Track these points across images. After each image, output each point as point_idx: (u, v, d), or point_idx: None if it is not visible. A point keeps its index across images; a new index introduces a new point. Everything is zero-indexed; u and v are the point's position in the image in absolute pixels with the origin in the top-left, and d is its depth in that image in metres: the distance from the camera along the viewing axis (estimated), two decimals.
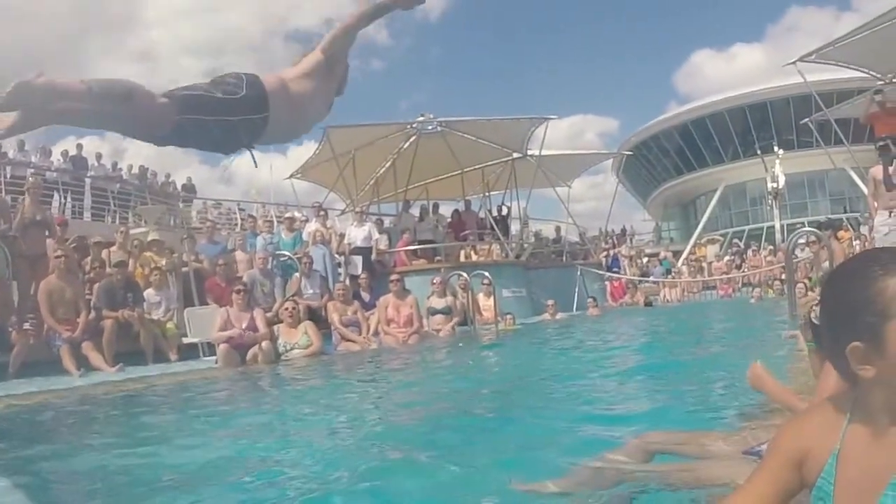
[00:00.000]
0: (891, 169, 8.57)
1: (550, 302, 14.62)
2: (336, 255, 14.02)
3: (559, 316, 14.40)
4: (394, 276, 11.09)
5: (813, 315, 1.56)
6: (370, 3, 3.47)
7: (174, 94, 3.02)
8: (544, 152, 19.03)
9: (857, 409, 1.44)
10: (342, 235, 15.43)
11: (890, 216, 8.45)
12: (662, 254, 30.90)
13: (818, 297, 1.53)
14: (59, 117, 2.85)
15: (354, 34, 3.61)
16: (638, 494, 2.26)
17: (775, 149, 30.82)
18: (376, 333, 10.34)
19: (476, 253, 17.80)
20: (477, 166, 20.42)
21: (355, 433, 4.06)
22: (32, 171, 16.99)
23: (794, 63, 16.07)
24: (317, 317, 10.31)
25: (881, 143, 8.87)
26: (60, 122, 2.96)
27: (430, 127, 18.10)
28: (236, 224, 22.21)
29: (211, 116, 3.05)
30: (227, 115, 3.10)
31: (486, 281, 12.99)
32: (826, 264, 10.30)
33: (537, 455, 2.95)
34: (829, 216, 28.49)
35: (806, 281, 13.95)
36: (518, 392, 5.47)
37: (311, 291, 11.44)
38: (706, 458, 2.54)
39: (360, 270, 13.64)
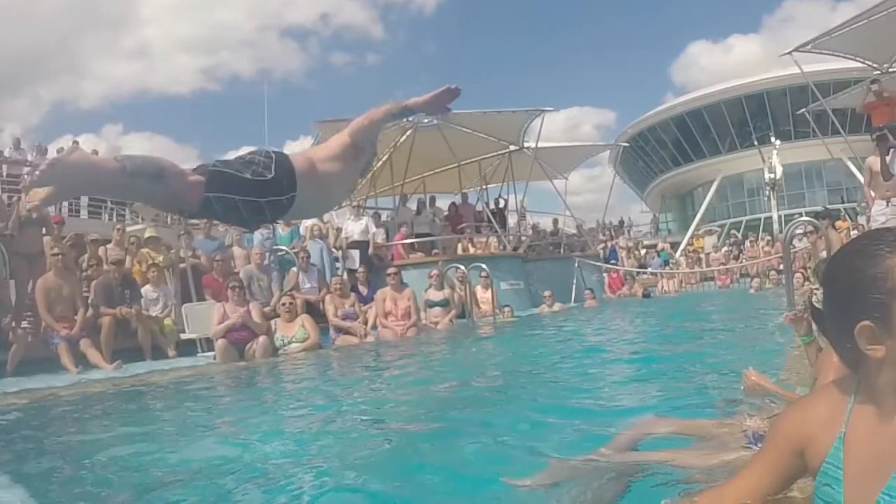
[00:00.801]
0: (888, 158, 8.57)
1: (547, 293, 14.62)
2: (333, 250, 14.03)
3: (556, 307, 14.40)
4: (391, 270, 11.07)
5: (815, 299, 1.55)
6: (398, 102, 3.56)
7: (206, 170, 3.08)
8: (541, 144, 19.02)
9: (861, 391, 1.43)
10: (339, 230, 15.42)
11: (887, 205, 8.45)
12: (660, 245, 30.92)
13: (820, 281, 1.52)
14: (91, 190, 2.96)
15: (380, 127, 3.70)
16: (634, 481, 2.26)
17: (772, 139, 30.84)
18: (374, 327, 10.35)
19: (473, 246, 17.79)
20: (474, 159, 20.40)
21: (353, 427, 4.06)
22: (29, 168, 16.92)
23: (790, 53, 16.09)
24: (315, 311, 10.31)
25: (878, 133, 8.85)
26: (92, 194, 3.07)
27: (426, 120, 18.08)
28: None
29: (239, 196, 3.11)
30: (255, 196, 3.15)
31: (483, 273, 12.99)
32: (823, 254, 10.30)
33: (534, 447, 2.94)
34: (827, 206, 28.48)
35: (803, 271, 13.95)
36: (515, 384, 5.47)
37: (308, 286, 11.44)
38: (704, 444, 2.54)
39: (357, 264, 13.65)
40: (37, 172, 2.63)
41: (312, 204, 3.59)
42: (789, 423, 1.55)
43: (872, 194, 8.93)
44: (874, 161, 8.84)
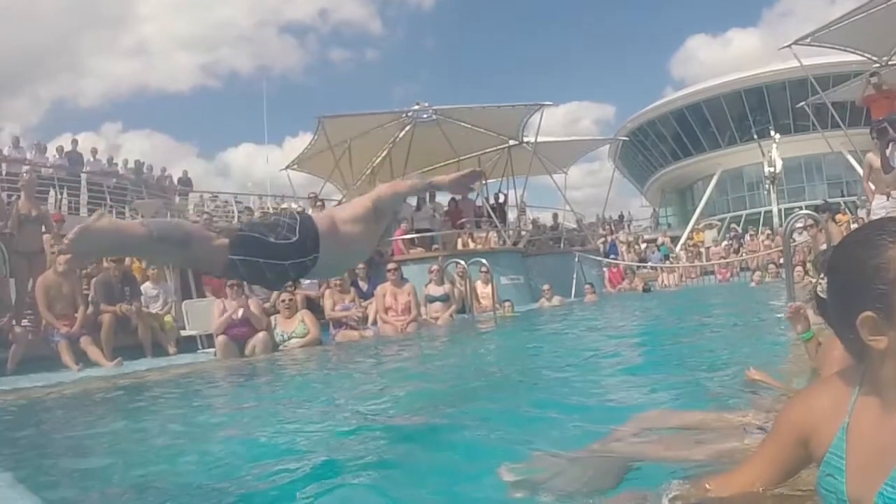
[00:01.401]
0: (888, 151, 8.55)
1: (546, 286, 14.61)
2: None
3: (555, 300, 14.39)
4: (391, 265, 11.06)
5: (819, 289, 1.55)
6: (424, 180, 3.67)
7: (231, 234, 3.16)
8: (540, 139, 19.01)
9: (865, 382, 1.43)
10: None
11: (888, 199, 8.44)
12: (660, 239, 30.90)
13: (823, 271, 1.52)
14: (118, 252, 3.09)
15: (403, 199, 3.86)
16: (633, 471, 2.26)
17: (772, 133, 30.84)
18: (374, 322, 10.35)
19: (473, 241, 17.79)
20: (473, 154, 20.39)
21: (353, 422, 4.06)
22: (28, 167, 16.93)
23: (789, 46, 16.05)
24: (315, 307, 10.32)
25: (879, 126, 8.84)
26: (119, 255, 3.25)
27: (425, 115, 18.09)
28: (233, 216, 22.18)
29: (263, 259, 3.21)
30: (280, 259, 3.25)
31: (483, 268, 12.99)
32: (824, 247, 10.29)
33: (534, 441, 2.94)
34: (827, 199, 28.46)
35: (803, 264, 13.95)
36: (515, 379, 5.47)
37: (308, 281, 11.43)
38: (704, 436, 2.54)
39: None
40: (66, 240, 2.74)
41: (334, 264, 3.76)
42: (794, 413, 1.55)
43: (872, 187, 8.92)
44: (873, 158, 8.83)
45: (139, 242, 2.93)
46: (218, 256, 3.10)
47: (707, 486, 1.64)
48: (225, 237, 3.17)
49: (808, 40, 15.82)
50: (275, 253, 3.19)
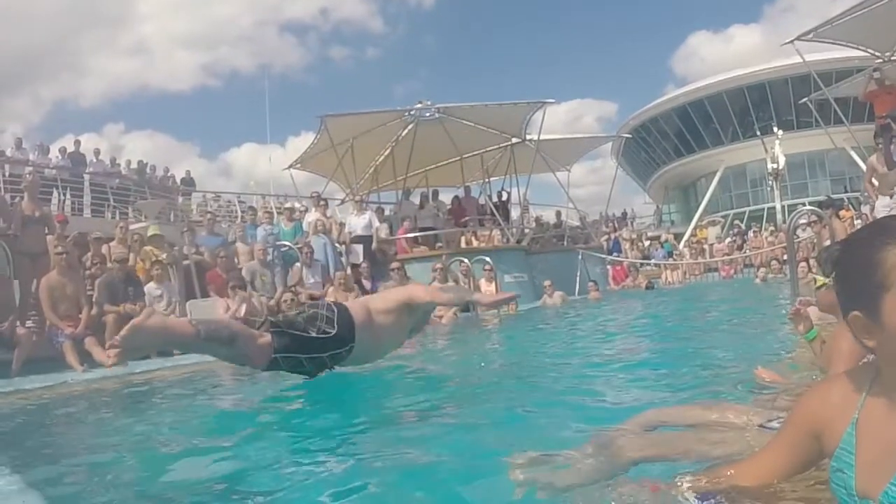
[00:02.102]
0: (892, 147, 8.55)
1: (547, 283, 14.54)
2: (337, 245, 14.01)
3: (556, 296, 14.34)
4: (395, 264, 11.08)
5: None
6: (463, 296, 3.92)
7: (273, 330, 3.27)
8: (543, 137, 19.00)
9: (877, 380, 1.42)
10: (342, 224, 15.42)
11: (892, 199, 8.42)
12: (664, 236, 30.89)
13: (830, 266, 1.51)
14: (165, 347, 3.28)
15: (436, 306, 4.09)
16: (635, 467, 2.25)
17: (775, 129, 30.77)
18: None
19: (477, 239, 17.80)
20: (476, 152, 20.39)
21: (357, 419, 4.06)
22: (31, 168, 16.95)
23: (791, 42, 16.02)
24: None
25: (883, 122, 8.84)
26: (165, 349, 3.47)
27: (427, 114, 18.07)
28: (236, 216, 22.20)
29: (304, 354, 3.48)
30: (319, 352, 3.51)
31: (487, 267, 13.00)
32: (827, 243, 10.28)
33: (536, 437, 2.94)
34: (830, 195, 28.41)
35: (806, 261, 13.94)
36: (519, 376, 5.46)
37: (312, 281, 11.45)
38: (710, 434, 2.52)
39: (361, 259, 13.64)
40: (117, 337, 2.85)
41: (366, 353, 4.00)
42: (808, 406, 1.55)
43: (875, 183, 8.91)
44: (876, 162, 8.84)
45: (187, 340, 3.07)
46: (262, 353, 3.24)
47: (720, 475, 1.65)
48: (266, 331, 3.29)
49: (810, 36, 15.79)
50: (315, 347, 3.34)
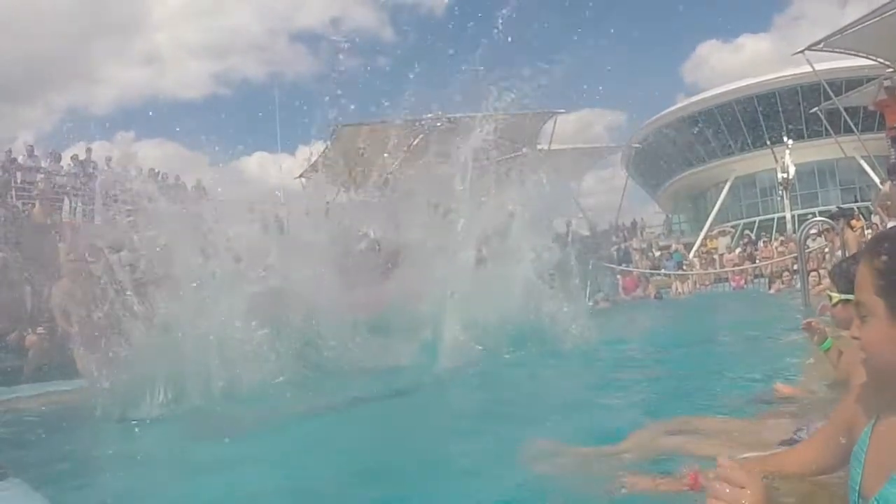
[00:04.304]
0: None
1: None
2: None
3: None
4: None
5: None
6: None
7: None
8: (553, 147, 18.98)
9: None
10: None
11: None
12: (674, 246, 30.78)
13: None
14: None
15: None
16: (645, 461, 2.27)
17: (785, 139, 30.66)
18: None
19: None
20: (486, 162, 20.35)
21: (363, 418, 4.07)
22: (42, 176, 17.04)
23: (802, 52, 16.02)
24: None
25: (894, 133, 8.85)
26: None
27: (438, 123, 18.07)
28: None
29: None
30: None
31: None
32: (839, 253, 10.22)
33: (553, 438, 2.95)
34: (840, 206, 28.28)
35: (817, 271, 13.87)
36: (532, 381, 5.46)
37: None
38: (727, 445, 2.51)
39: None
40: None
41: None
42: (848, 404, 1.61)
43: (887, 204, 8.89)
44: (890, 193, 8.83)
45: None
46: None
47: (759, 462, 1.72)
48: None
49: (820, 45, 15.82)
50: None
